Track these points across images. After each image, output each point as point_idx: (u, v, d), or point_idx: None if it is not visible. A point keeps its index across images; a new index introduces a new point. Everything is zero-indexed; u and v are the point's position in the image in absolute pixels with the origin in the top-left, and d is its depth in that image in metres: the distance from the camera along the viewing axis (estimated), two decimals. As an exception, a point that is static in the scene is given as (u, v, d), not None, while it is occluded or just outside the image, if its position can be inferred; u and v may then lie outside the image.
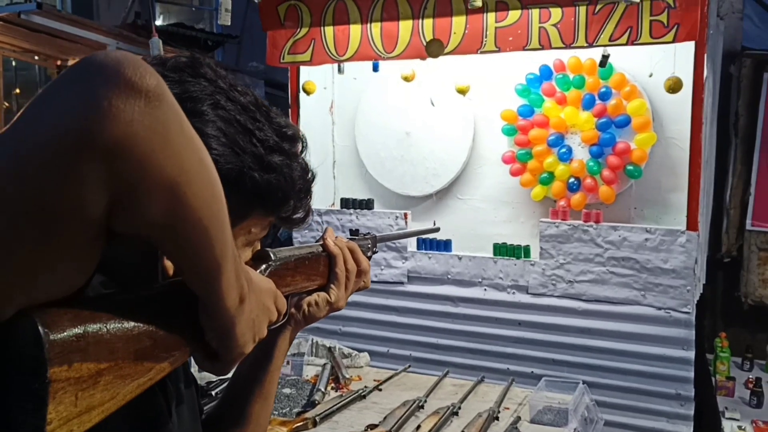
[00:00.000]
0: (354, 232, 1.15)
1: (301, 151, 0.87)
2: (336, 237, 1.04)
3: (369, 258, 1.14)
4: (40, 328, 0.53)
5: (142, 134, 0.52)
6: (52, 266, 0.54)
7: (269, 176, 0.79)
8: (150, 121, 0.53)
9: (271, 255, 0.88)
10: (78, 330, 0.56)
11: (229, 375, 1.01)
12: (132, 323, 0.62)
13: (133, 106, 0.52)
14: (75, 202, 0.51)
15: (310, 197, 0.89)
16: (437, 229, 1.79)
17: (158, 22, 7.71)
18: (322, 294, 1.01)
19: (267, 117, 0.82)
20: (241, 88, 0.82)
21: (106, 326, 0.59)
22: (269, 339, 0.97)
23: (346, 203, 4.17)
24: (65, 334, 0.55)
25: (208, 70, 0.79)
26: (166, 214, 0.56)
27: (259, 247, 0.90)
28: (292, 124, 0.86)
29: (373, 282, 3.97)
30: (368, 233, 1.18)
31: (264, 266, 0.86)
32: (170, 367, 0.67)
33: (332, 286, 1.01)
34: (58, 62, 5.92)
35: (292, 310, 0.99)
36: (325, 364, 2.79)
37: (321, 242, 1.02)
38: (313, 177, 0.89)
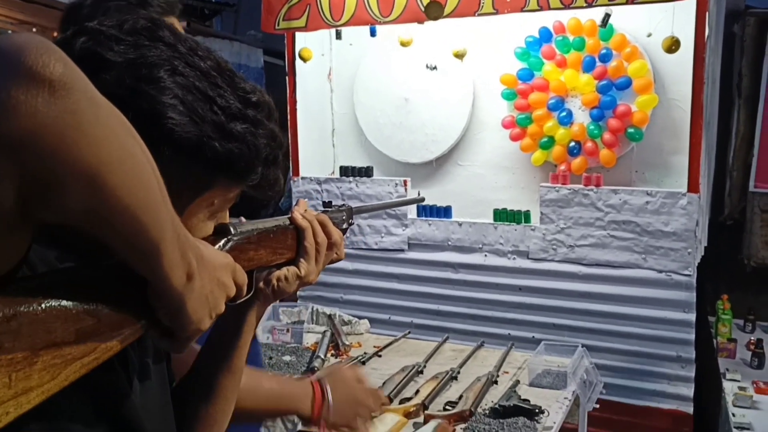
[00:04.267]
0: (327, 204, 1.14)
1: (269, 118, 0.83)
2: (306, 209, 1.02)
3: (345, 230, 1.11)
4: None
5: (49, 126, 0.50)
6: None
7: (231, 145, 0.76)
8: (57, 112, 0.50)
9: (231, 229, 0.86)
10: (7, 311, 0.55)
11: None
12: (71, 302, 0.60)
13: (35, 97, 0.49)
14: None
15: (280, 165, 0.86)
16: (421, 200, 1.77)
17: (155, -9, 7.61)
18: (292, 268, 0.98)
19: (230, 83, 0.78)
20: (202, 53, 0.78)
21: (40, 306, 0.58)
22: (237, 314, 0.96)
23: (346, 171, 4.15)
24: None
25: (167, 33, 0.76)
26: (87, 203, 0.55)
27: (227, 219, 0.88)
28: (258, 89, 0.83)
29: (373, 249, 4.03)
30: (344, 204, 1.15)
31: (223, 241, 0.84)
32: (120, 345, 0.65)
33: (302, 260, 0.99)
34: (55, 34, 5.85)
35: (261, 284, 0.97)
36: (325, 332, 2.79)
37: (290, 215, 0.99)
38: (281, 144, 0.85)
